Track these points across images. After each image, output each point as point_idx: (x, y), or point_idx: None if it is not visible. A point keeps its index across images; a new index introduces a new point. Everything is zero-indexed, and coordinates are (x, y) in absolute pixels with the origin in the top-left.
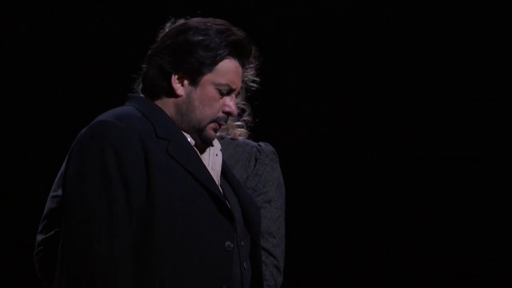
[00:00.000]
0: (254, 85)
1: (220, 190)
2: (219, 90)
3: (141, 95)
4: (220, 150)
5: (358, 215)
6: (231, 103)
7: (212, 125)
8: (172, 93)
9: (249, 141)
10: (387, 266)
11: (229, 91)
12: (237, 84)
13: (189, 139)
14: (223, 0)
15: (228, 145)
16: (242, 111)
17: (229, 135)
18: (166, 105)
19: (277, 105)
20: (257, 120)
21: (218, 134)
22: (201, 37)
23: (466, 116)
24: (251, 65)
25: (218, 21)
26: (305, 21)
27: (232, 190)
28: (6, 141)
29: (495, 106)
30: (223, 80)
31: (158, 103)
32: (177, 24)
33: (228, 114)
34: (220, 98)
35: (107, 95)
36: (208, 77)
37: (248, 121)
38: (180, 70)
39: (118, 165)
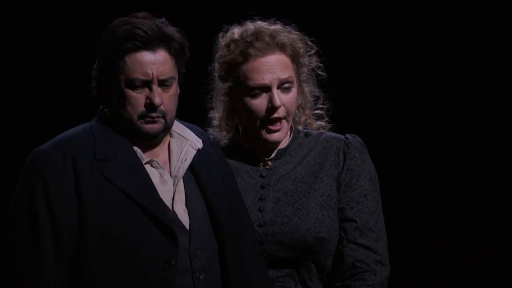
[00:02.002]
0: (322, 73)
1: (158, 206)
2: (131, 87)
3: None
4: (199, 148)
5: None
6: (151, 95)
7: (141, 122)
8: (106, 101)
9: (336, 134)
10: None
11: (144, 83)
12: (150, 74)
13: (139, 154)
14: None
15: (316, 141)
16: (316, 99)
17: (306, 128)
18: (111, 115)
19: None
20: (330, 108)
21: (301, 128)
22: (102, 47)
23: (466, 116)
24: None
25: (122, 20)
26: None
27: (202, 193)
28: (7, 141)
29: (495, 106)
30: (129, 76)
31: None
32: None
33: (150, 106)
34: (136, 95)
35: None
36: (119, 78)
37: (326, 109)
38: (103, 76)
39: (45, 196)
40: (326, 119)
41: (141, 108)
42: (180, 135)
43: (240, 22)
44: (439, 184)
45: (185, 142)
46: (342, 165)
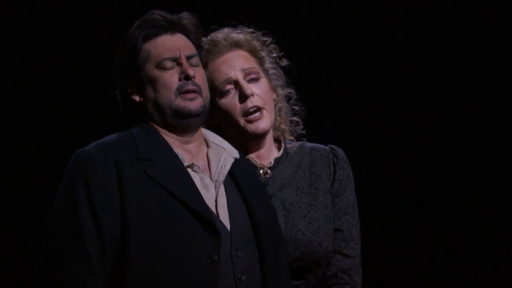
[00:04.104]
0: (284, 62)
1: (201, 204)
2: (162, 68)
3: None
4: (235, 158)
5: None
6: (183, 69)
7: (179, 98)
8: (138, 105)
9: (317, 144)
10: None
11: (174, 60)
12: (177, 52)
13: (180, 156)
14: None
15: (303, 151)
16: (289, 99)
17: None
18: (148, 119)
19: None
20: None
21: (290, 144)
22: (121, 46)
23: (468, 115)
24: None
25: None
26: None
27: (243, 199)
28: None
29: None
30: (158, 58)
31: (148, 120)
32: None
33: (187, 78)
34: (170, 74)
35: None
36: (146, 69)
37: (300, 112)
38: (128, 83)
39: (87, 194)
40: (302, 126)
41: (176, 84)
42: (217, 144)
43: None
44: (424, 187)
45: (222, 151)
46: (333, 176)
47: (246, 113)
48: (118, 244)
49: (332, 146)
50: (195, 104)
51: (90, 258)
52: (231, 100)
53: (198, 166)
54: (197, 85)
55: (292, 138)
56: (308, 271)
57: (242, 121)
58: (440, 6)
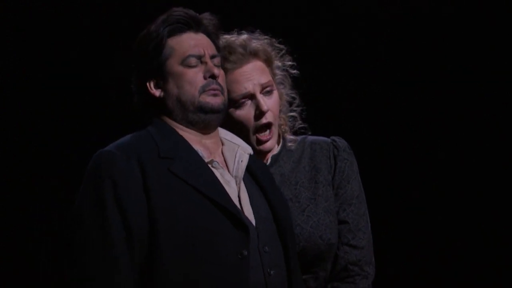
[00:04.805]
0: (295, 71)
1: (229, 200)
2: (187, 65)
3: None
4: (249, 154)
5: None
6: (209, 68)
7: (203, 95)
8: (157, 101)
9: (319, 137)
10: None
11: (199, 58)
12: (202, 50)
13: (200, 153)
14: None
15: (303, 145)
16: (292, 101)
17: (289, 134)
18: (165, 115)
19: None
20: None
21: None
22: (142, 40)
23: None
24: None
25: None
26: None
27: (264, 194)
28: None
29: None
30: (183, 55)
31: (162, 117)
32: None
33: (212, 76)
34: (194, 71)
35: None
36: (169, 64)
37: (300, 111)
38: (147, 78)
39: (114, 193)
40: (300, 122)
41: (201, 82)
42: (231, 141)
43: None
44: (425, 185)
45: (236, 148)
46: (334, 168)
47: (258, 130)
48: (146, 244)
49: (334, 137)
50: (218, 100)
51: (119, 259)
52: (246, 113)
53: (218, 162)
54: (220, 85)
55: (292, 136)
56: (314, 265)
57: (253, 137)
58: (440, 6)
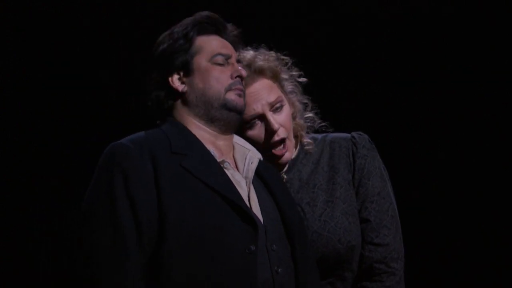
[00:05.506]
0: (304, 80)
1: (238, 196)
2: (215, 63)
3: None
4: (259, 158)
5: None
6: (237, 68)
7: (229, 93)
8: (178, 95)
9: (341, 134)
10: None
11: (227, 59)
12: (230, 51)
13: (212, 152)
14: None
15: (323, 144)
16: (305, 106)
17: (311, 134)
18: (183, 111)
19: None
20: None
21: (306, 136)
22: (168, 37)
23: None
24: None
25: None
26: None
27: (272, 197)
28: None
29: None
30: (212, 52)
31: (178, 115)
32: None
33: (240, 77)
34: (222, 69)
35: None
36: (197, 59)
37: (315, 115)
38: (172, 71)
39: (125, 183)
40: (319, 121)
41: (228, 80)
42: (242, 145)
43: None
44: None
45: (247, 151)
46: (353, 166)
47: (272, 145)
48: (155, 236)
49: (354, 134)
50: (242, 101)
51: (127, 248)
52: (258, 133)
53: (229, 163)
54: (243, 86)
55: (309, 139)
56: (337, 268)
57: (267, 153)
58: (440, 6)
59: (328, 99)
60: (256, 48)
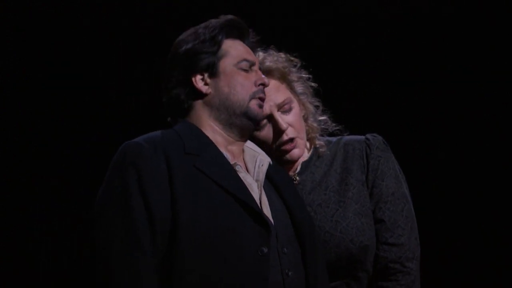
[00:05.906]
0: (313, 84)
1: (251, 198)
2: (240, 68)
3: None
4: (270, 162)
5: None
6: (261, 76)
7: (253, 101)
8: (200, 96)
9: (355, 136)
10: None
11: (251, 65)
12: (253, 57)
13: (225, 154)
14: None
15: (337, 147)
16: (316, 108)
17: (325, 137)
18: (203, 112)
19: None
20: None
21: (320, 138)
22: (194, 37)
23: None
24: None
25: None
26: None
27: (282, 200)
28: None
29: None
30: (238, 57)
31: (195, 116)
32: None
33: (263, 85)
34: (246, 75)
35: None
36: (223, 63)
37: (327, 117)
38: (196, 71)
39: (138, 181)
40: (333, 124)
41: (252, 88)
42: (252, 149)
43: None
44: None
45: (257, 155)
46: (366, 167)
47: (281, 144)
48: (168, 235)
49: (368, 135)
50: (262, 112)
51: (141, 244)
52: (266, 134)
53: (240, 166)
54: (265, 94)
55: (322, 141)
56: (351, 268)
57: (276, 152)
58: (440, 6)
59: (328, 99)
60: (265, 49)
